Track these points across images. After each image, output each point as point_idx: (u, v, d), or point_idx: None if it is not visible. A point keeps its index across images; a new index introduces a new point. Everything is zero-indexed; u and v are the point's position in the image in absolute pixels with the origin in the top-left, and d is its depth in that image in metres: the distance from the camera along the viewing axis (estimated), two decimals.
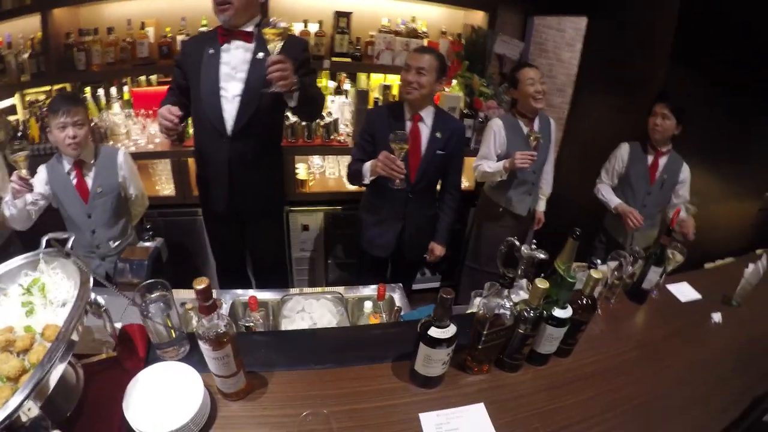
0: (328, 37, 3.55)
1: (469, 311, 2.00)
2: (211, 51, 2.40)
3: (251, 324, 1.99)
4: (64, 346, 1.10)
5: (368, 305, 2.11)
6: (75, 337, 1.16)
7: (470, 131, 3.70)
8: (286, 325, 2.09)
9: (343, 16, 3.49)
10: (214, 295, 1.20)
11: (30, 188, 2.16)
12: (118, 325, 1.52)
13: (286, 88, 2.15)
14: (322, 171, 4.05)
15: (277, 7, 3.48)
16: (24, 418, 1.01)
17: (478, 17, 3.73)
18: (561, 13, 4.49)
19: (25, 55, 3.53)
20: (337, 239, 3.91)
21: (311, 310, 2.15)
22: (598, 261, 1.98)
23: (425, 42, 3.60)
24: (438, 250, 2.93)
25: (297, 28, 3.50)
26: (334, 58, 3.54)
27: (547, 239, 3.22)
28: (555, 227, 3.37)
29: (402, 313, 2.14)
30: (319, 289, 2.33)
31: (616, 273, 1.92)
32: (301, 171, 3.80)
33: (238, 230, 2.84)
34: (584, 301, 1.53)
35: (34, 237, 2.54)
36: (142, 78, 3.73)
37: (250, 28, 2.40)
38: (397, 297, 2.29)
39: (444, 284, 4.02)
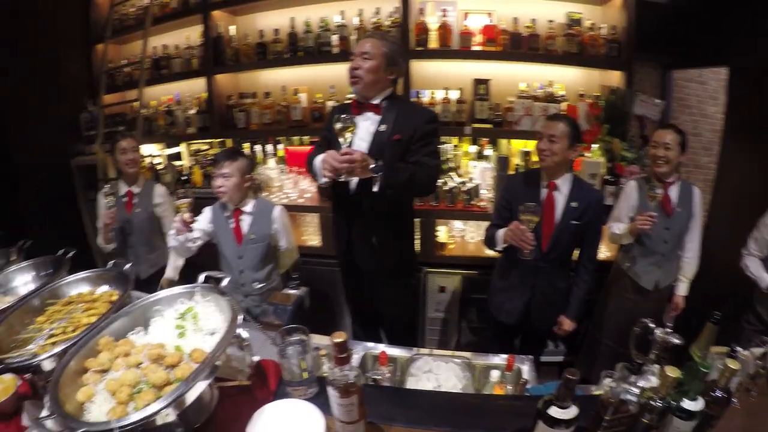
0: (469, 104, 3.64)
1: (596, 392, 1.87)
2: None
3: (379, 377, 2.04)
4: (208, 369, 1.24)
5: (495, 374, 2.07)
6: (219, 362, 1.29)
7: (613, 199, 3.50)
8: (411, 383, 2.11)
9: (481, 83, 3.57)
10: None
11: (189, 230, 2.54)
12: (256, 358, 1.64)
13: (349, 177, 2.33)
14: (463, 235, 4.06)
15: (418, 76, 3.68)
16: (160, 422, 1.16)
17: (614, 77, 3.62)
18: (699, 65, 4.22)
19: (192, 112, 4.12)
20: (472, 303, 3.84)
21: (438, 372, 2.15)
22: (739, 348, 1.75)
23: (564, 106, 3.57)
24: (567, 324, 2.77)
25: (438, 96, 3.64)
26: (474, 125, 3.60)
27: (690, 317, 2.92)
28: (699, 302, 3.04)
29: (528, 386, 2.05)
30: (448, 353, 2.32)
31: (759, 362, 1.66)
32: (442, 234, 3.85)
33: (365, 285, 2.91)
34: (718, 394, 1.36)
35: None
36: (296, 138, 4.10)
37: (377, 101, 2.54)
38: (526, 369, 2.19)
39: (568, 358, 3.76)
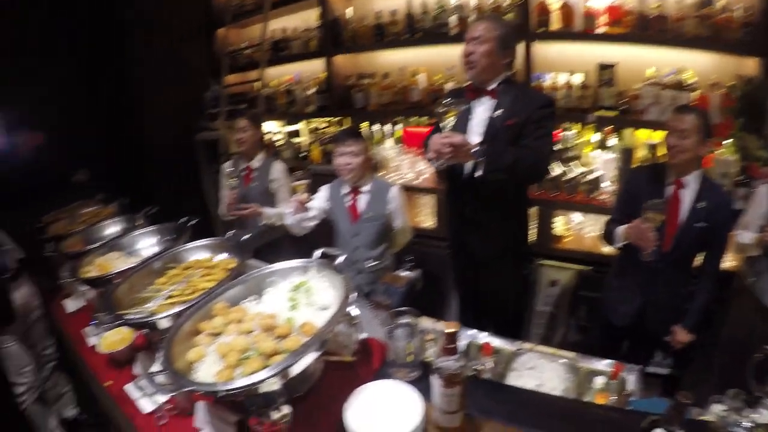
0: (592, 90, 3.44)
1: (703, 417, 1.68)
2: (465, 105, 2.52)
3: (481, 367, 2.01)
4: (318, 343, 1.28)
5: (599, 381, 1.98)
6: (328, 338, 1.33)
7: (743, 203, 3.09)
8: (513, 378, 2.06)
9: (606, 68, 3.35)
10: None
11: (305, 210, 2.62)
12: (362, 336, 1.67)
13: (452, 161, 2.32)
14: (580, 228, 3.86)
15: (540, 58, 3.55)
16: (265, 388, 1.22)
17: (750, 64, 3.17)
18: None
19: (311, 91, 4.29)
20: (583, 301, 3.65)
21: (542, 371, 2.09)
22: None
23: (695, 95, 3.23)
24: (681, 335, 2.54)
25: (561, 80, 3.49)
26: (597, 112, 3.40)
27: None
28: None
29: (631, 399, 1.93)
30: (553, 351, 2.24)
31: None
32: (559, 225, 3.72)
33: (474, 271, 2.87)
34: None
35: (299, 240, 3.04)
36: (414, 118, 4.10)
37: (493, 86, 2.49)
38: (632, 380, 2.05)
39: (674, 372, 3.46)
